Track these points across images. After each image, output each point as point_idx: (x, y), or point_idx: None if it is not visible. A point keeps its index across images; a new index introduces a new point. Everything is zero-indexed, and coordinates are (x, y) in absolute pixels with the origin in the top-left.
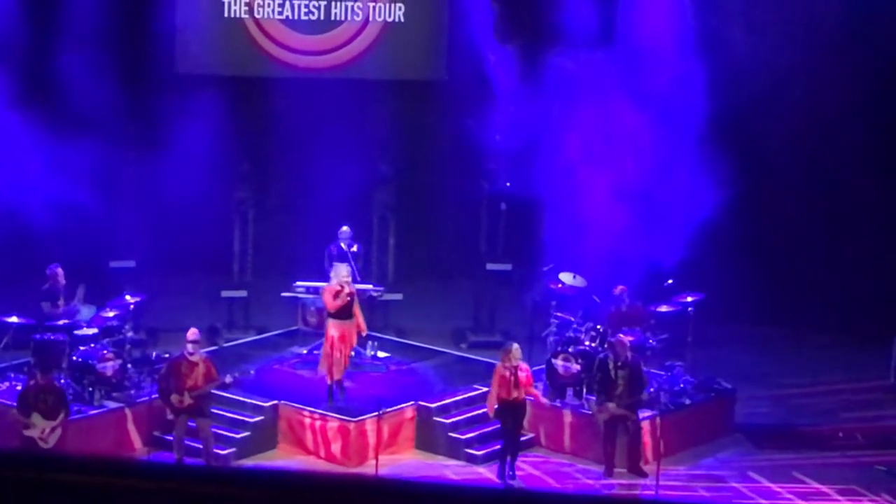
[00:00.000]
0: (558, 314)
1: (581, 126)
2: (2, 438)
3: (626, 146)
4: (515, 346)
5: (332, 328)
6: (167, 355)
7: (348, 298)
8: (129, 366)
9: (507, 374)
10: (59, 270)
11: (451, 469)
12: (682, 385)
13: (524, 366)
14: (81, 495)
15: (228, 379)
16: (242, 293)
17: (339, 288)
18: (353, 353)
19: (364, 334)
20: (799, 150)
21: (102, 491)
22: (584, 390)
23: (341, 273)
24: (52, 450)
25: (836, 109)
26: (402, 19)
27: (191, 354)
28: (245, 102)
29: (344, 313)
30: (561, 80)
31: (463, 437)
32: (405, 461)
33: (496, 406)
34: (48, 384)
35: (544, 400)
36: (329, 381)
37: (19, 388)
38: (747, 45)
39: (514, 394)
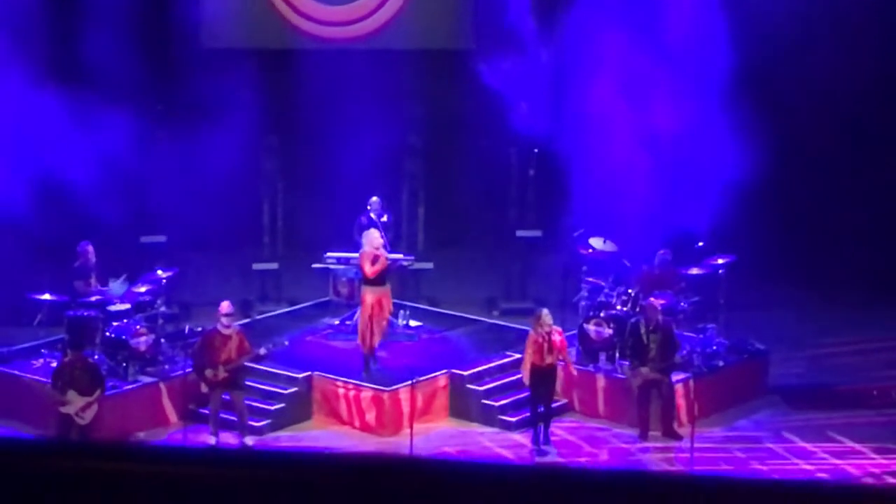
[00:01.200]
0: (589, 279)
1: (606, 84)
2: (38, 416)
3: (653, 106)
4: (545, 311)
5: (369, 295)
6: (200, 329)
7: (387, 262)
8: (163, 340)
9: (540, 339)
10: (90, 248)
11: (485, 436)
12: (715, 347)
13: (558, 329)
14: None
15: (262, 351)
16: (274, 265)
17: (376, 253)
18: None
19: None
20: (831, 106)
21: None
22: (617, 355)
23: (374, 237)
24: (87, 427)
25: (869, 64)
26: None
27: (224, 328)
28: (271, 75)
29: (380, 280)
30: (585, 34)
31: (497, 403)
32: (439, 429)
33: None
34: (82, 361)
35: (574, 369)
36: (364, 350)
37: (54, 364)
38: None
39: (548, 360)
